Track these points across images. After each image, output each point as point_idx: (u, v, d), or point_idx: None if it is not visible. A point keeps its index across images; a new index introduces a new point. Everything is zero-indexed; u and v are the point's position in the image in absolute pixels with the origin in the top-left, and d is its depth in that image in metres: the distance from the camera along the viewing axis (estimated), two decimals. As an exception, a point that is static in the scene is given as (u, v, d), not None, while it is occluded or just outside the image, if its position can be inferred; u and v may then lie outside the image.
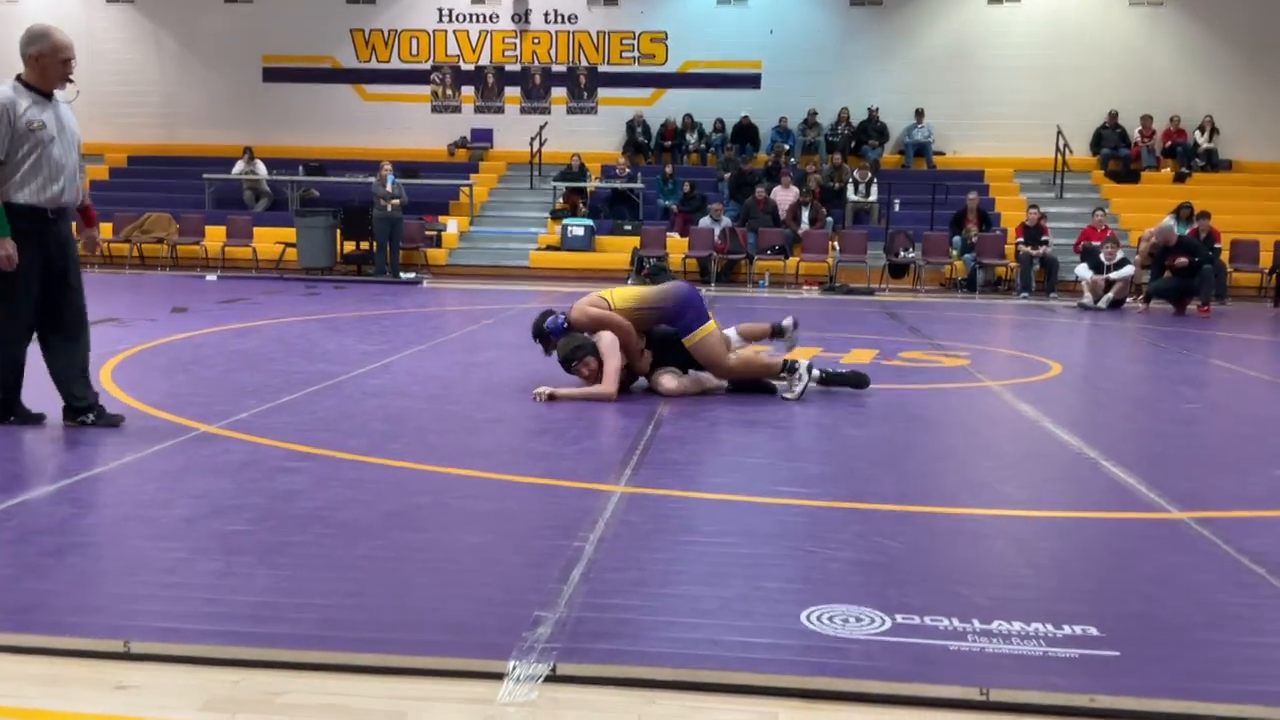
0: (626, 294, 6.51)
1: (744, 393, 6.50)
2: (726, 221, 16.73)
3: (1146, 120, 19.10)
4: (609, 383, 6.19)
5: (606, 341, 6.27)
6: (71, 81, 5.09)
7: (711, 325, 6.36)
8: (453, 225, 18.13)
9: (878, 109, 19.58)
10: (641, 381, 6.59)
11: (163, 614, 2.89)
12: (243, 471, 4.44)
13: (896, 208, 17.70)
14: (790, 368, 6.33)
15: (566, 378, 6.39)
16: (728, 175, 18.51)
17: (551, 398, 6.10)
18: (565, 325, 6.43)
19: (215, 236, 17.16)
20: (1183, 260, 13.05)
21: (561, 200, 18.46)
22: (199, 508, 3.89)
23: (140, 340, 8.37)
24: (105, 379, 6.57)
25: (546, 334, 6.53)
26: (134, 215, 17.43)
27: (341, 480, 4.34)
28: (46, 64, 4.96)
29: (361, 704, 2.50)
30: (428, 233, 17.42)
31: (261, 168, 18.86)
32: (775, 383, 6.49)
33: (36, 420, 5.25)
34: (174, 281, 14.78)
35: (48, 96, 5.03)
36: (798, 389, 6.27)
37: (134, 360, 7.41)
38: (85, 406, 5.23)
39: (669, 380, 6.43)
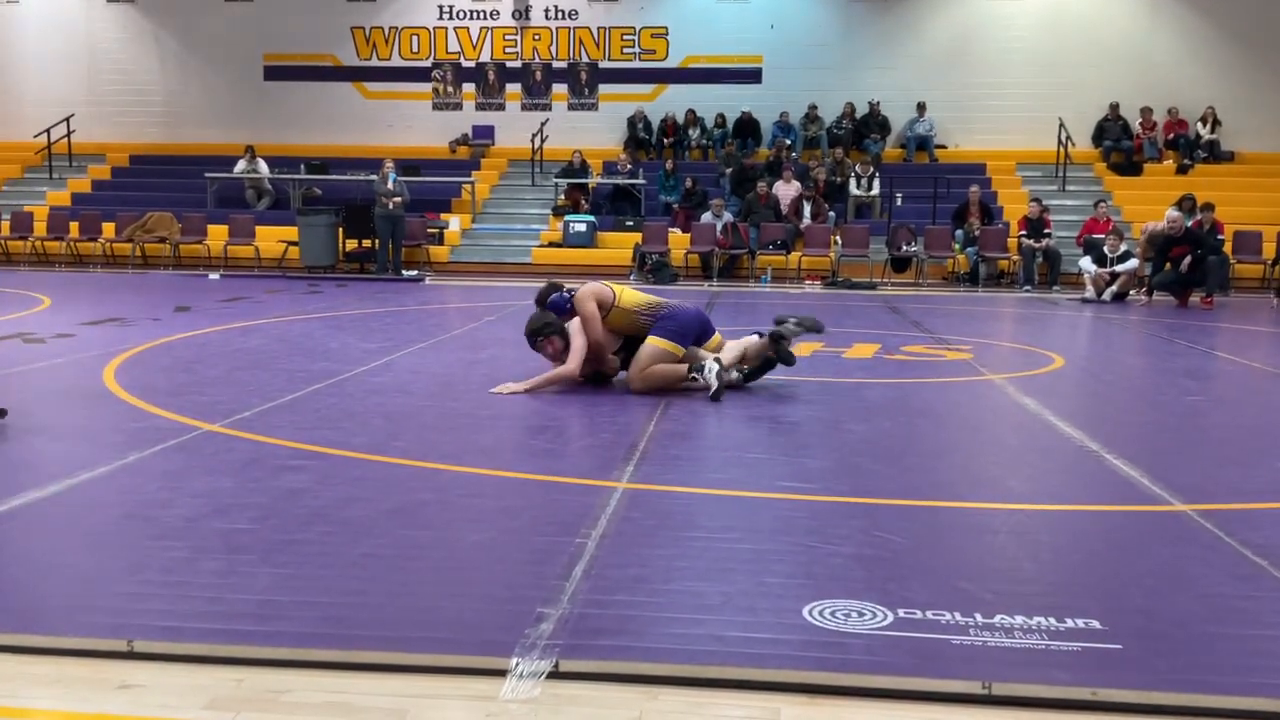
0: (636, 297, 6.48)
1: (734, 387, 6.53)
2: (728, 217, 16.71)
3: (1148, 112, 19.05)
4: (573, 360, 6.27)
5: (576, 325, 6.35)
6: None
7: (675, 348, 6.27)
8: (454, 223, 18.12)
9: (879, 103, 19.54)
10: (621, 375, 6.66)
11: (166, 613, 2.90)
12: (245, 470, 4.44)
13: (898, 202, 17.66)
14: (697, 369, 6.24)
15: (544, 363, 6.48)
16: (729, 170, 18.49)
17: (514, 393, 6.17)
18: (569, 306, 6.45)
19: (217, 235, 17.16)
20: (1187, 259, 13.00)
21: (563, 197, 18.45)
22: (201, 506, 3.89)
23: (144, 339, 8.38)
24: (109, 378, 6.58)
25: (546, 303, 6.57)
26: (136, 215, 17.43)
27: (344, 478, 4.34)
28: None
29: (364, 702, 2.50)
30: (430, 230, 17.41)
31: (263, 166, 18.86)
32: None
33: None
34: (177, 281, 14.79)
35: None
36: (711, 379, 6.11)
37: (137, 359, 7.42)
38: None
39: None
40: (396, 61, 20.87)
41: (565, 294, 6.53)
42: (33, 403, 5.77)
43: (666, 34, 20.37)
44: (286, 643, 2.73)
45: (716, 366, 6.16)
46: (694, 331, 6.43)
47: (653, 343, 6.28)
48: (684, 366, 6.30)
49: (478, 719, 2.42)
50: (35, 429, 5.19)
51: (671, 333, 6.32)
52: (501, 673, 2.60)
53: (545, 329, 6.38)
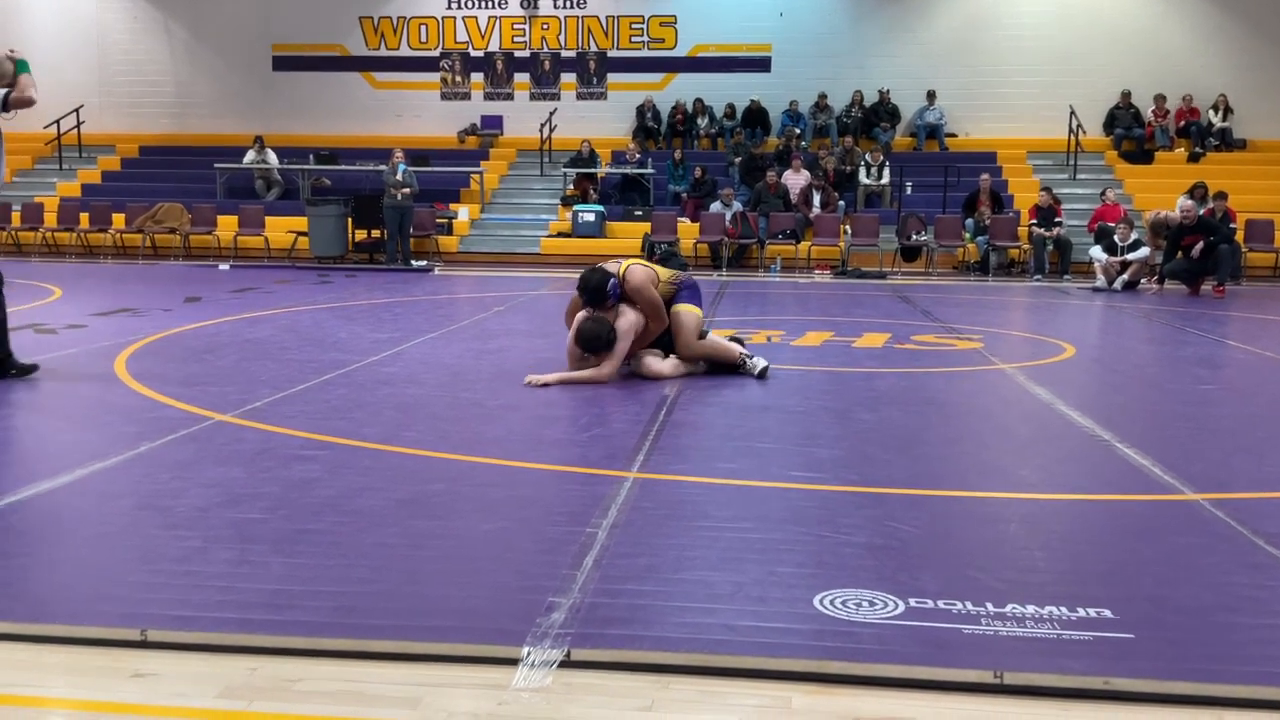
0: (664, 270, 6.73)
1: (719, 373, 6.59)
2: (737, 206, 16.68)
3: (1160, 100, 18.94)
4: (610, 365, 6.24)
5: (626, 323, 6.29)
6: None
7: (698, 310, 6.71)
8: (463, 213, 18.12)
9: (889, 91, 19.46)
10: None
11: (179, 602, 2.91)
12: (257, 460, 4.45)
13: (908, 191, 17.61)
14: (747, 355, 6.67)
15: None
16: (738, 160, 18.45)
17: (546, 385, 6.16)
18: (618, 295, 6.37)
19: (227, 226, 17.20)
20: (1199, 246, 12.93)
21: (572, 186, 18.43)
22: (213, 496, 3.91)
23: (154, 330, 8.41)
24: (120, 368, 6.60)
25: (605, 294, 6.27)
26: (146, 205, 17.49)
27: (355, 468, 4.35)
28: None
29: (376, 690, 2.51)
30: (439, 220, 17.41)
31: (272, 157, 18.87)
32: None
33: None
34: (187, 271, 14.83)
35: None
36: (758, 364, 6.54)
37: (148, 350, 7.44)
38: None
39: (656, 362, 6.50)
40: (405, 51, 20.85)
41: (616, 281, 6.33)
42: (45, 393, 5.80)
43: (675, 23, 20.31)
44: (299, 632, 2.74)
45: (763, 363, 6.56)
46: (699, 293, 6.85)
47: (687, 309, 6.57)
48: (736, 348, 6.65)
49: (489, 708, 2.43)
50: (47, 420, 5.22)
51: (697, 299, 6.71)
52: (513, 662, 2.61)
53: (597, 343, 6.23)
